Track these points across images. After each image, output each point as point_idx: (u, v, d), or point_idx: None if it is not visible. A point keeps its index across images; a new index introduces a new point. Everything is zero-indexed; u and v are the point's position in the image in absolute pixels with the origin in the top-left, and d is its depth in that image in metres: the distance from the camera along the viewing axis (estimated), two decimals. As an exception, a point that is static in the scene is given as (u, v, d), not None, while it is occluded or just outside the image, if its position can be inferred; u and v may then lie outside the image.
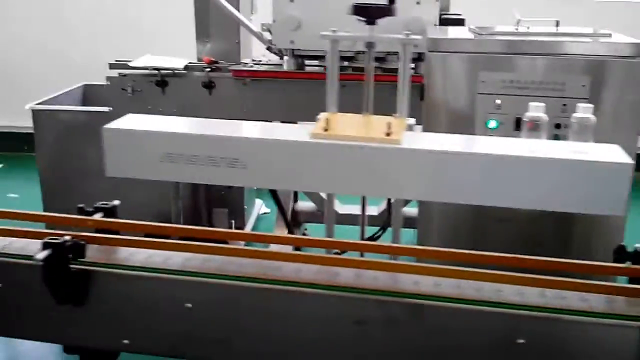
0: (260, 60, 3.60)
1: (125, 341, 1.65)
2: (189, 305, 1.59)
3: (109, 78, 3.56)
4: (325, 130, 1.45)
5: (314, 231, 4.21)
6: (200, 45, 3.75)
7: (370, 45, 1.69)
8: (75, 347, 1.76)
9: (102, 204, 1.79)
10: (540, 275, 1.48)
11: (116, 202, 1.81)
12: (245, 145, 1.44)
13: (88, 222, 1.72)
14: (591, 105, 1.93)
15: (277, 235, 1.55)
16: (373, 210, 3.99)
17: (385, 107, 3.29)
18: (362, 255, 1.86)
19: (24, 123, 5.99)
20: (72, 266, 1.58)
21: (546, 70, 2.36)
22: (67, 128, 3.91)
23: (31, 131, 5.62)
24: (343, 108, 3.29)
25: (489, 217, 2.49)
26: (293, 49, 3.29)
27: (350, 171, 1.41)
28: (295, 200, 4.13)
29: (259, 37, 3.38)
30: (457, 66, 2.30)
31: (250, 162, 1.43)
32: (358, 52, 3.31)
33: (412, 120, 1.56)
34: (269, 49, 3.40)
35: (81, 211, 1.79)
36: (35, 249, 1.69)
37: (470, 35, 2.42)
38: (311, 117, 1.77)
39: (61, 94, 4.30)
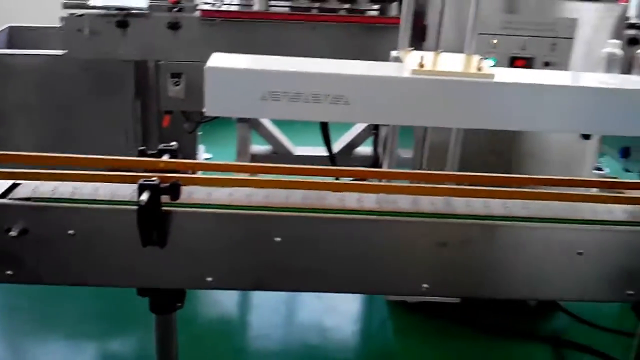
0: (223, 1, 3.53)
1: (209, 278, 1.68)
2: (278, 239, 1.64)
3: (62, 19, 3.33)
4: (422, 66, 1.54)
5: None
6: (155, -17, 3.60)
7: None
8: (147, 290, 1.76)
9: (165, 146, 1.78)
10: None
11: (174, 144, 1.81)
12: (350, 82, 1.49)
13: (160, 164, 1.70)
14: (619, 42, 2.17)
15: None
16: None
17: (355, 48, 3.42)
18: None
19: None
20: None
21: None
22: (11, 74, 3.66)
23: None
24: (315, 49, 3.34)
25: (479, 150, 2.72)
26: (265, -11, 3.28)
27: (448, 105, 1.53)
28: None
29: (227, -24, 3.32)
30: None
31: (354, 99, 1.49)
32: (329, -7, 3.36)
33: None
34: (237, -13, 3.35)
35: (143, 154, 1.77)
36: (104, 193, 1.67)
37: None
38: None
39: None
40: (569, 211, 1.70)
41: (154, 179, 1.56)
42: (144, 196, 1.50)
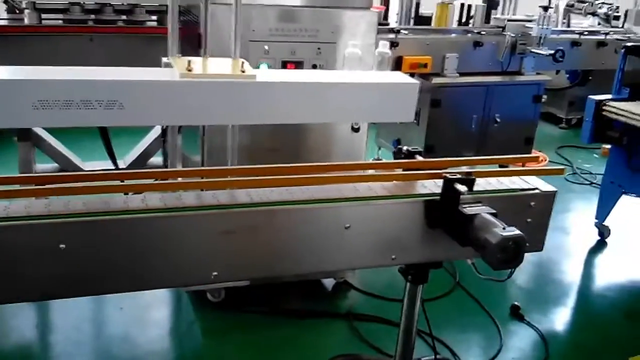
0: (-13, 15, 3.36)
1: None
2: (62, 246, 1.65)
3: None
4: (190, 70, 1.66)
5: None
6: None
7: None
8: None
9: None
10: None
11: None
12: (122, 87, 1.56)
13: None
14: (388, 43, 2.46)
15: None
16: (119, 163, 4.08)
17: (135, 57, 3.44)
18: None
19: None
20: None
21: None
22: None
23: None
24: (94, 61, 3.32)
25: (262, 148, 2.92)
26: (35, 2, 3.18)
27: (215, 104, 1.66)
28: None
29: (-9, -11, 3.16)
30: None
31: (125, 103, 1.57)
32: (104, 5, 3.36)
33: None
34: (7, 2, 3.21)
35: None
36: None
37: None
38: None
39: None
40: (335, 191, 1.93)
41: None
42: None
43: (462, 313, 3.51)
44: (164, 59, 1.85)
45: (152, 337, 3.23)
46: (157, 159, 4.20)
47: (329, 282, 3.64)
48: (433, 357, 2.53)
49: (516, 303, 3.54)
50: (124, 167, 4.09)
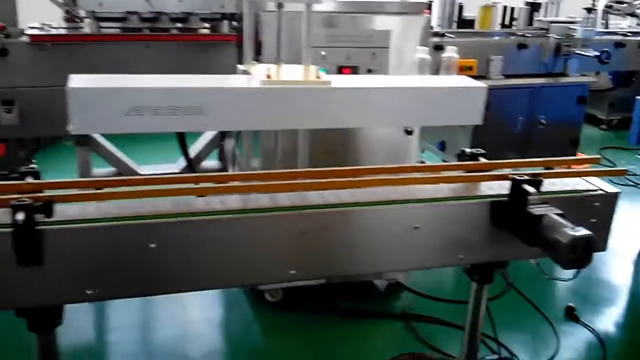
0: (50, 25, 3.48)
1: (89, 291, 1.72)
2: (153, 245, 1.73)
3: None
4: (269, 77, 1.74)
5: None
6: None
7: (280, 5, 1.96)
8: (25, 310, 1.75)
9: (27, 169, 1.81)
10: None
11: (35, 166, 1.85)
12: (206, 94, 1.64)
13: (24, 186, 1.73)
14: (456, 47, 2.51)
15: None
16: (173, 167, 4.20)
17: (189, 64, 3.53)
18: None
19: None
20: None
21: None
22: None
23: None
24: (150, 68, 3.41)
25: (318, 150, 2.99)
26: (95, 12, 3.29)
27: (295, 109, 1.73)
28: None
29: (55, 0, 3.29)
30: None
31: (210, 109, 1.65)
32: (160, 13, 3.46)
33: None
34: (67, 12, 3.33)
35: (5, 177, 1.78)
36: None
37: None
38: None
39: None
40: (404, 193, 1.98)
41: (25, 199, 1.59)
42: (20, 216, 1.52)
43: (516, 314, 3.52)
44: (240, 66, 1.93)
45: (213, 336, 3.31)
46: (210, 162, 4.33)
47: (381, 283, 3.68)
48: (496, 357, 2.56)
49: (571, 304, 3.54)
50: (177, 171, 4.21)
